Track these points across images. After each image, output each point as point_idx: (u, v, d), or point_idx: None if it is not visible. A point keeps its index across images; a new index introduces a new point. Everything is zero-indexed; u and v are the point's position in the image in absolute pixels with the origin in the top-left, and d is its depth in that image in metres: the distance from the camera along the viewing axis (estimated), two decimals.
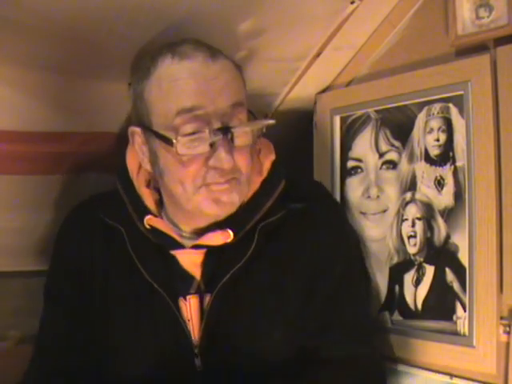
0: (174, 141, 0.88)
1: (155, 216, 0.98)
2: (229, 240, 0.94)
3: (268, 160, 1.01)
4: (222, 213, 0.93)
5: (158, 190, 1.02)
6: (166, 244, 0.98)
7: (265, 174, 1.00)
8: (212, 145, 0.89)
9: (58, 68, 1.00)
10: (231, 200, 0.92)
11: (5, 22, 0.86)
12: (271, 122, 0.94)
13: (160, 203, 1.02)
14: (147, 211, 0.98)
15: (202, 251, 0.96)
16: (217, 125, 0.89)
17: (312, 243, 0.98)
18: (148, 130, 0.93)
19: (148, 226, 0.98)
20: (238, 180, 0.92)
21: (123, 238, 0.99)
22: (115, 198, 1.02)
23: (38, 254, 1.22)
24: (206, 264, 0.96)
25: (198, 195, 0.91)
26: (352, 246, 1.07)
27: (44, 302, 1.06)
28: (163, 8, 0.95)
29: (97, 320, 1.01)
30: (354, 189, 1.18)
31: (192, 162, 0.90)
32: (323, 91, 1.26)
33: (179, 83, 0.89)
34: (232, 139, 0.89)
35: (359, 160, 1.18)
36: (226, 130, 0.89)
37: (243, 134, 0.91)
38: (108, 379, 1.01)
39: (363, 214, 1.15)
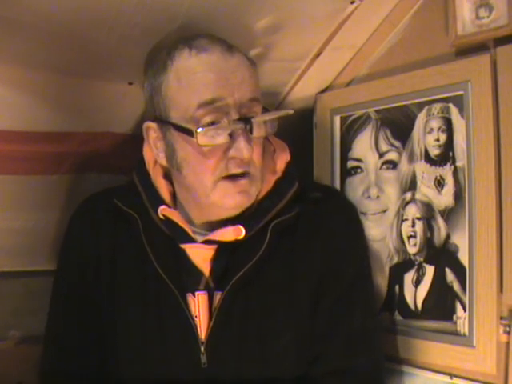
0: (195, 132, 0.90)
1: (169, 207, 0.99)
2: (240, 237, 0.94)
3: (282, 160, 1.02)
4: (239, 206, 0.94)
5: (172, 184, 1.02)
6: (177, 236, 0.98)
7: (279, 173, 1.00)
8: (231, 135, 0.90)
9: (58, 68, 1.00)
10: (248, 193, 0.94)
11: (5, 21, 0.86)
12: (290, 112, 0.96)
13: (173, 197, 1.02)
14: (162, 202, 0.99)
15: (213, 247, 0.96)
16: (235, 116, 0.91)
17: (324, 246, 0.99)
18: (166, 124, 0.94)
19: (162, 217, 0.98)
20: (251, 175, 0.93)
21: (136, 228, 0.99)
22: (130, 189, 1.03)
23: (38, 254, 1.22)
24: (216, 261, 0.96)
25: (216, 190, 0.92)
26: (365, 250, 1.07)
27: (52, 296, 1.06)
28: (163, 8, 0.95)
29: (104, 314, 1.01)
30: (354, 189, 1.18)
31: (212, 153, 0.91)
32: (323, 91, 1.26)
33: (198, 76, 0.91)
34: (251, 130, 0.91)
35: (359, 160, 1.18)
36: (245, 120, 0.91)
37: (259, 126, 0.93)
38: (113, 373, 1.01)
39: (363, 214, 1.15)
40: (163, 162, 0.98)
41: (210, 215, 0.98)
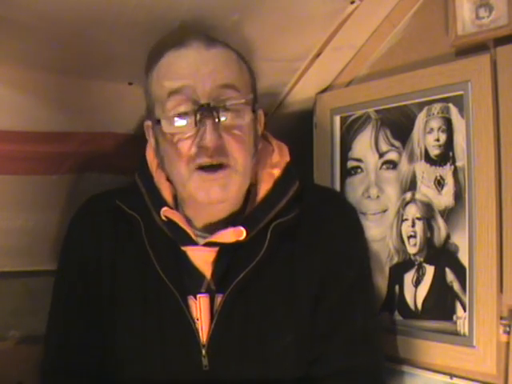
0: (161, 119, 0.92)
1: (171, 209, 0.98)
2: (241, 238, 0.94)
3: (282, 161, 1.01)
4: (214, 199, 0.92)
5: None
6: (179, 238, 0.97)
7: (278, 173, 1.00)
8: (199, 123, 0.90)
9: (58, 68, 1.00)
10: (224, 186, 0.92)
11: (5, 22, 0.86)
12: (250, 96, 0.94)
13: (176, 200, 1.02)
14: (164, 203, 0.99)
15: (215, 249, 0.96)
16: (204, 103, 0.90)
17: (325, 248, 0.98)
18: (152, 120, 0.96)
19: (164, 218, 0.97)
20: (231, 168, 0.92)
21: (138, 229, 0.98)
22: (133, 190, 1.03)
23: (38, 254, 1.22)
24: (217, 263, 0.96)
25: (191, 180, 0.92)
26: (365, 252, 1.07)
27: (52, 297, 1.06)
28: (163, 8, 0.95)
29: (104, 314, 1.01)
30: (354, 189, 1.18)
31: (183, 142, 0.91)
32: (323, 91, 1.26)
33: (172, 68, 0.93)
34: (218, 118, 0.90)
35: (359, 160, 1.18)
36: (208, 107, 0.90)
37: (232, 113, 0.92)
38: (113, 376, 1.01)
39: (363, 214, 1.15)
40: (152, 158, 1.01)
41: (205, 214, 0.98)
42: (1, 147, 1.03)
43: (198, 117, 0.89)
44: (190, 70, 0.92)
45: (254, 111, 0.95)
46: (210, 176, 0.91)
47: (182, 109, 0.91)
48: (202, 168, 0.91)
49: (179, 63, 0.93)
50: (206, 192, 0.91)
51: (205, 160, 0.91)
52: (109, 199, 1.03)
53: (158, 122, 0.93)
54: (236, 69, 0.95)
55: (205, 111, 0.89)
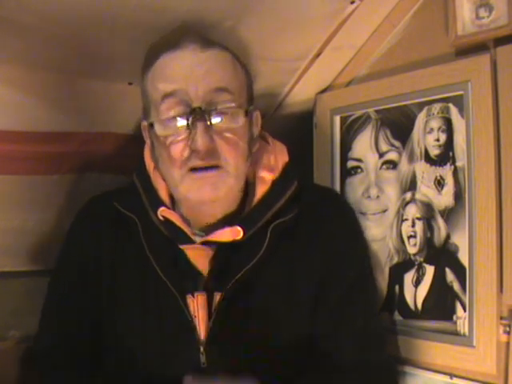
0: (154, 122, 0.93)
1: (168, 208, 0.99)
2: (238, 237, 0.94)
3: (280, 161, 1.01)
4: (206, 199, 0.93)
5: None
6: (177, 238, 0.98)
7: (276, 174, 1.00)
8: (191, 126, 0.90)
9: (59, 68, 1.00)
10: (216, 186, 0.92)
11: (5, 22, 0.86)
12: (243, 100, 0.94)
13: (173, 199, 1.02)
14: (161, 203, 0.99)
15: (212, 248, 0.96)
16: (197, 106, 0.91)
17: (325, 247, 0.99)
18: (148, 122, 0.97)
19: (161, 218, 0.98)
20: (223, 169, 0.92)
21: (136, 230, 0.99)
22: (130, 191, 1.03)
23: (38, 254, 1.22)
24: (215, 261, 0.96)
25: (183, 182, 0.93)
26: (365, 252, 1.07)
27: (47, 295, 1.06)
28: (163, 8, 0.95)
29: (104, 316, 1.01)
30: (354, 189, 1.18)
31: (176, 146, 0.92)
32: (323, 91, 1.26)
33: (166, 70, 0.94)
34: (210, 121, 0.90)
35: (359, 160, 1.18)
36: (200, 110, 0.90)
37: (225, 116, 0.92)
38: (111, 372, 1.01)
39: (363, 214, 1.15)
40: (149, 159, 1.01)
41: (200, 215, 0.98)
42: (1, 147, 1.03)
43: (190, 120, 0.90)
44: (184, 72, 0.92)
45: (248, 114, 0.95)
46: (200, 175, 0.92)
47: (175, 112, 0.92)
48: (192, 169, 0.92)
49: (174, 65, 0.93)
50: (198, 190, 0.92)
51: (197, 163, 0.92)
52: (108, 200, 1.04)
53: (152, 125, 0.94)
54: (231, 70, 0.95)
55: (197, 114, 0.90)
